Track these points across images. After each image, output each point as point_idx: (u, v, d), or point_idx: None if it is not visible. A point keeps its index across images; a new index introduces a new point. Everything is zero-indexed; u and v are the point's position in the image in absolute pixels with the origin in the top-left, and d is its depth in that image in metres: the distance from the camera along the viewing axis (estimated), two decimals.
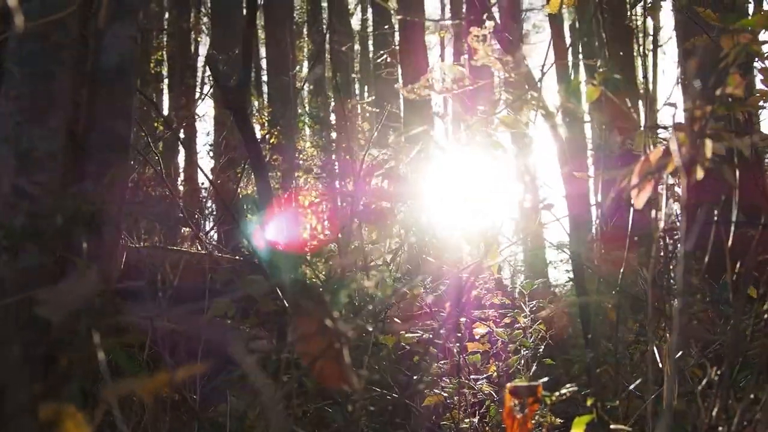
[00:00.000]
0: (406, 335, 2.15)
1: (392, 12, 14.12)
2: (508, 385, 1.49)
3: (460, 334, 3.50)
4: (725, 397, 1.41)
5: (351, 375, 1.05)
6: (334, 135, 12.96)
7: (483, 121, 2.38)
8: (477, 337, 3.44)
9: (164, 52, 13.28)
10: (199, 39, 14.40)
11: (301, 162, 11.96)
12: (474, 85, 1.72)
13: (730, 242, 1.57)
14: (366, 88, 17.30)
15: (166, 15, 14.37)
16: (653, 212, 1.32)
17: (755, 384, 1.30)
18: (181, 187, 12.40)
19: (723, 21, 1.78)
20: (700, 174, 1.35)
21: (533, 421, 1.90)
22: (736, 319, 1.44)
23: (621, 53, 8.68)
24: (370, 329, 1.47)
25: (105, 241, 1.57)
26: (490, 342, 3.40)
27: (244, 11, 14.60)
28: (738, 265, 1.57)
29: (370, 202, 2.53)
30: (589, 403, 1.49)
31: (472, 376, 2.81)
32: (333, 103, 13.62)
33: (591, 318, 3.16)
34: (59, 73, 1.59)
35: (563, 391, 1.54)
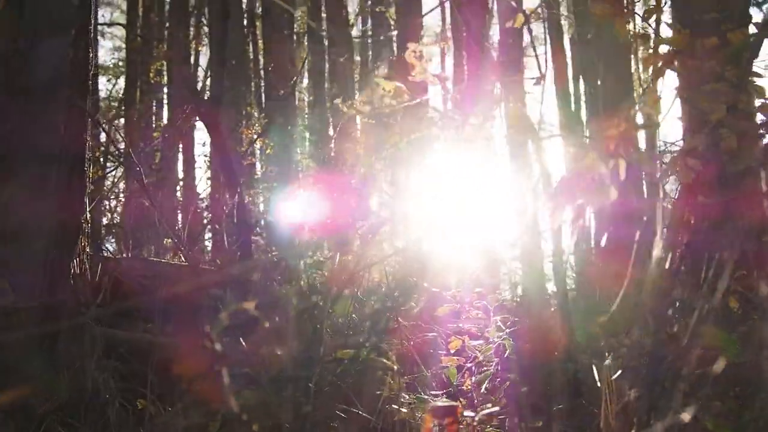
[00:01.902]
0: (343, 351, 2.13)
1: (391, 23, 14.17)
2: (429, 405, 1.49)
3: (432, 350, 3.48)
4: (644, 418, 1.40)
5: (230, 395, 1.05)
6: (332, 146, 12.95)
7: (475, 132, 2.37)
8: (452, 351, 3.42)
9: (164, 62, 13.32)
10: (199, 49, 14.43)
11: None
12: (413, 101, 1.72)
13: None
14: None
15: (167, 24, 14.44)
16: (569, 229, 1.31)
17: (666, 403, 1.29)
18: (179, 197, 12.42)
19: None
20: (613, 194, 1.34)
21: None
22: (654, 340, 1.43)
23: (618, 68, 8.64)
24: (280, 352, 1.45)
25: (33, 253, 1.57)
26: (465, 357, 3.37)
27: (244, 22, 14.67)
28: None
29: (328, 216, 2.52)
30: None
31: (432, 391, 2.79)
32: (331, 115, 13.65)
33: (572, 332, 3.14)
34: None
35: (485, 411, 1.52)
